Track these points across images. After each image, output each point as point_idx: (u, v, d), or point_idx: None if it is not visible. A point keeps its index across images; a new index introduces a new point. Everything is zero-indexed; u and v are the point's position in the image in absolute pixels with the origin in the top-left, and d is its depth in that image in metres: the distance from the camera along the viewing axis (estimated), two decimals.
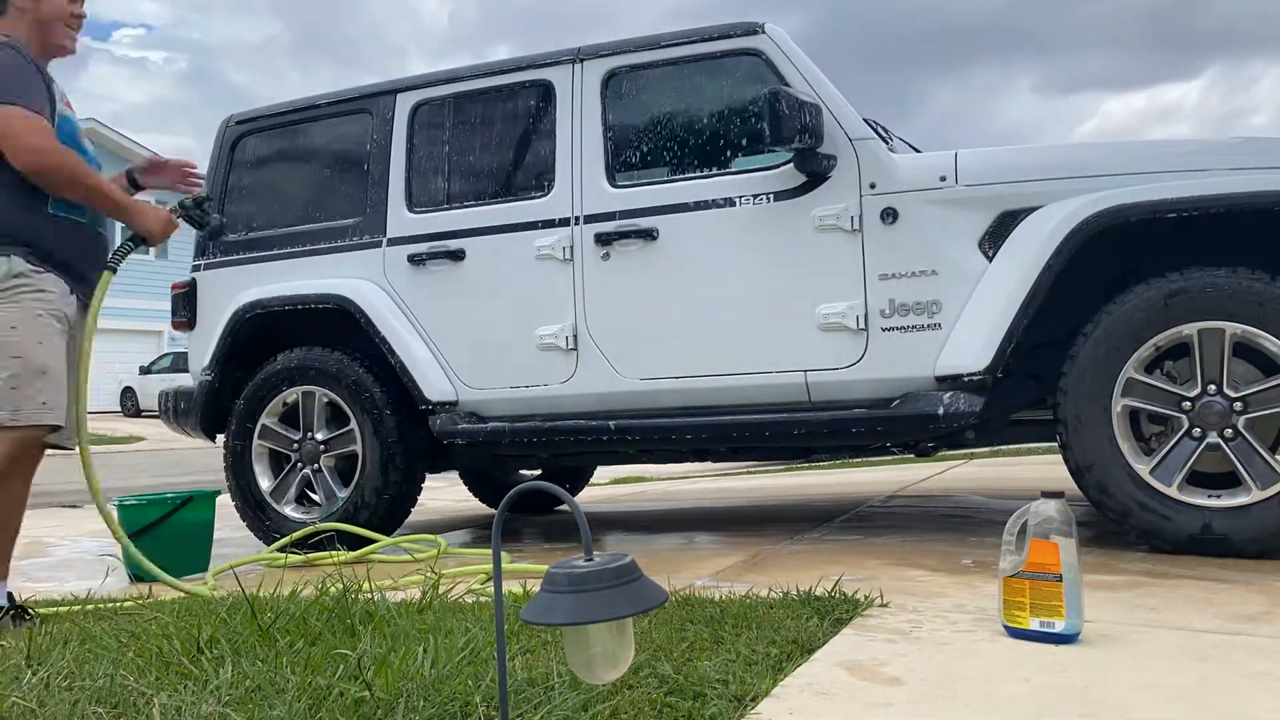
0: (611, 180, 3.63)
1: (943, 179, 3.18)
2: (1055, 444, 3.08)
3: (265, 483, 4.05)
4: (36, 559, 4.33)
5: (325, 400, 3.97)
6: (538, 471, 5.11)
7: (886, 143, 3.38)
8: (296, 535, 3.79)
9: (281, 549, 3.74)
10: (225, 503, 4.07)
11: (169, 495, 3.87)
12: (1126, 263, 3.10)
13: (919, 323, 3.18)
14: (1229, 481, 2.87)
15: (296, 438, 4.02)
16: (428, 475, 4.10)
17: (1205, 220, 2.90)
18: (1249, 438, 2.80)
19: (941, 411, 3.12)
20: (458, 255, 3.80)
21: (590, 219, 3.61)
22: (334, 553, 3.48)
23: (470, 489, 5.56)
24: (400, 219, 3.93)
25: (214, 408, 4.16)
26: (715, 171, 3.56)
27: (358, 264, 3.96)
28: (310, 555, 3.60)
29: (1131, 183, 2.95)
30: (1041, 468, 5.86)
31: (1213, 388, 2.85)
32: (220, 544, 4.09)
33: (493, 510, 5.39)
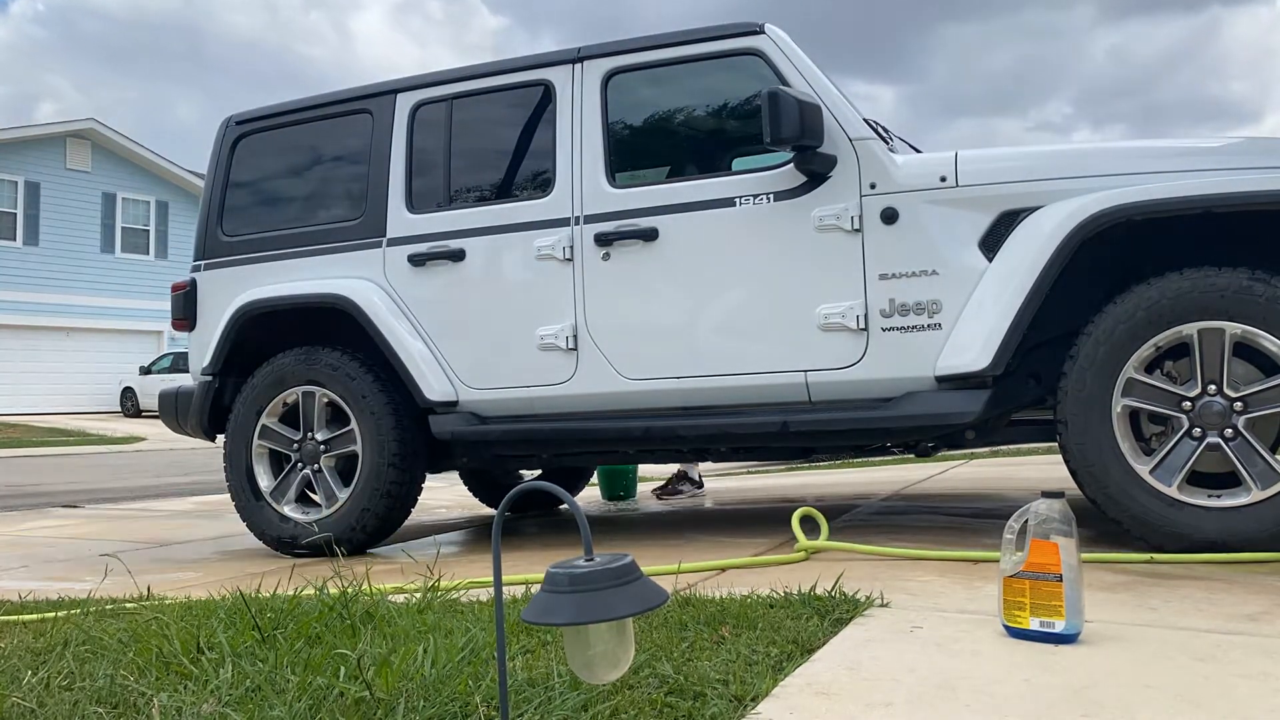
0: (612, 180, 3.63)
1: (943, 179, 3.18)
2: (1055, 444, 3.08)
3: (265, 482, 4.05)
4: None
5: (325, 400, 3.97)
6: (538, 471, 5.11)
7: (887, 143, 3.38)
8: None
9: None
10: (225, 503, 4.07)
11: None
12: (1127, 262, 3.10)
13: (919, 323, 3.18)
14: (1229, 481, 2.87)
15: (296, 438, 4.02)
16: (428, 475, 4.09)
17: (1206, 220, 2.90)
18: (1249, 438, 2.80)
19: (941, 411, 3.12)
20: (458, 255, 3.80)
21: (590, 219, 3.61)
22: None
23: (470, 489, 5.55)
24: (400, 219, 3.93)
25: (214, 408, 4.16)
26: (715, 172, 3.56)
27: (358, 264, 3.96)
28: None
29: (1132, 183, 2.95)
30: (1041, 468, 5.86)
31: (1213, 388, 2.85)
32: (218, 543, 4.09)
33: (493, 510, 5.39)
